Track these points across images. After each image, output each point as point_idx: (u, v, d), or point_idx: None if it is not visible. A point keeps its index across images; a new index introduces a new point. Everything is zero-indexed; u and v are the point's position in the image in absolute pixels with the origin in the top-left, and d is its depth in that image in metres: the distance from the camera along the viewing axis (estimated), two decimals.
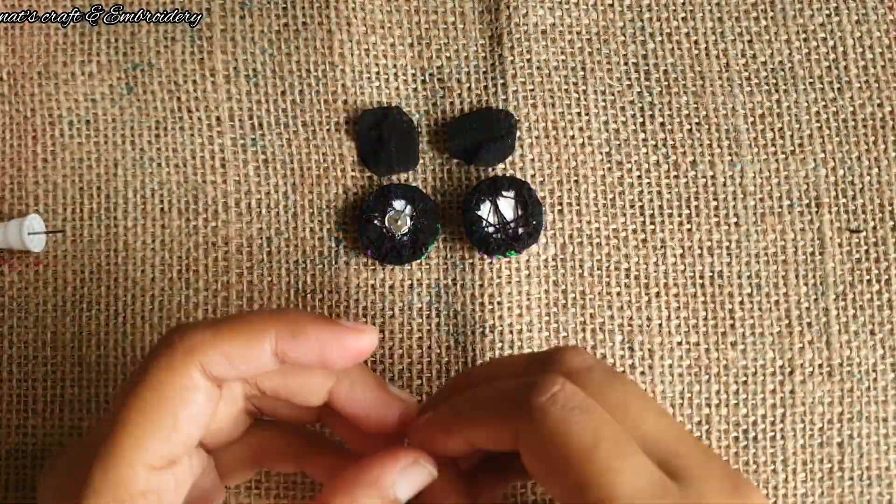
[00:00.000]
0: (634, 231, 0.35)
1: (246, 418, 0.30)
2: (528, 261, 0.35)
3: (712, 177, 0.35)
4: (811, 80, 0.36)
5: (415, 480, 0.27)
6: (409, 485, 0.27)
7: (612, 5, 0.36)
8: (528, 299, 0.34)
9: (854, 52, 0.36)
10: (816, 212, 0.35)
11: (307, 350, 0.26)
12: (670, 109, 0.36)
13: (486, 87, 0.36)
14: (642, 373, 0.34)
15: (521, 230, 0.34)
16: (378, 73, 0.36)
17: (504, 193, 0.34)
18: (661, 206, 0.35)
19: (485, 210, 0.34)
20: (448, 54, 0.36)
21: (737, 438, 0.34)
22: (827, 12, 0.36)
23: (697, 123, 0.36)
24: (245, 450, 0.30)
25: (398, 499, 0.26)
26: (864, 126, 0.35)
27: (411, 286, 0.35)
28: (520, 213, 0.34)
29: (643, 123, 0.36)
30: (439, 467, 0.27)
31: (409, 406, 0.29)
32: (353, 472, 0.26)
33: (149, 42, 0.37)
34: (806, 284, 0.35)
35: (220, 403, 0.27)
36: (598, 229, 0.35)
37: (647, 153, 0.35)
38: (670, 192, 0.35)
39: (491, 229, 0.34)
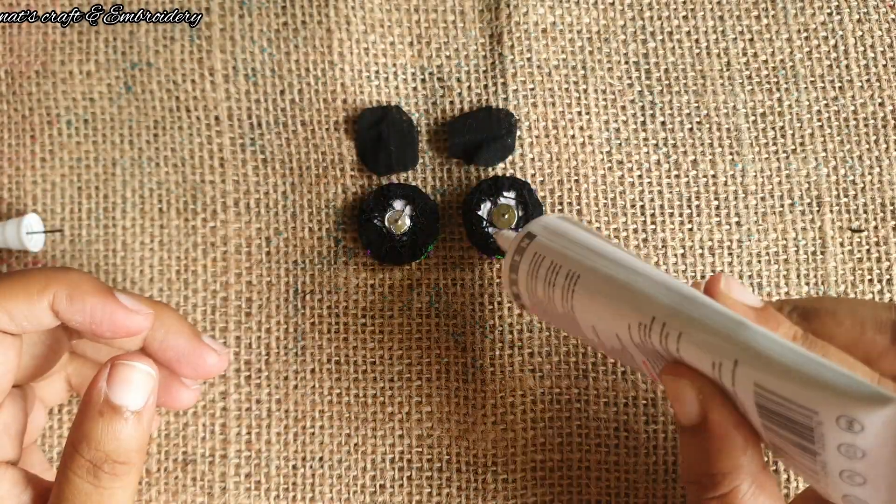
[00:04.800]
0: (635, 230, 0.35)
1: (59, 352, 0.31)
2: None
3: (713, 176, 0.35)
4: (812, 79, 0.36)
5: (131, 382, 0.26)
6: (126, 388, 0.26)
7: (612, 4, 0.36)
8: None
9: (855, 50, 0.36)
10: (818, 211, 0.35)
11: (79, 317, 0.28)
12: (671, 108, 0.36)
13: (486, 87, 0.36)
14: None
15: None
16: (377, 71, 0.36)
17: (505, 194, 0.34)
18: (662, 206, 0.35)
19: (485, 210, 0.34)
20: (448, 53, 0.36)
21: None
22: (828, 11, 0.36)
23: (698, 122, 0.35)
24: (62, 381, 0.33)
25: (120, 405, 0.26)
26: (866, 125, 0.35)
27: (411, 286, 0.35)
28: (520, 213, 0.34)
29: (644, 123, 0.35)
30: None
31: (222, 352, 0.31)
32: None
33: (147, 41, 0.37)
34: (807, 284, 0.34)
35: (27, 346, 0.29)
36: (598, 229, 0.35)
37: (647, 152, 0.35)
38: (671, 192, 0.35)
39: (491, 229, 0.34)
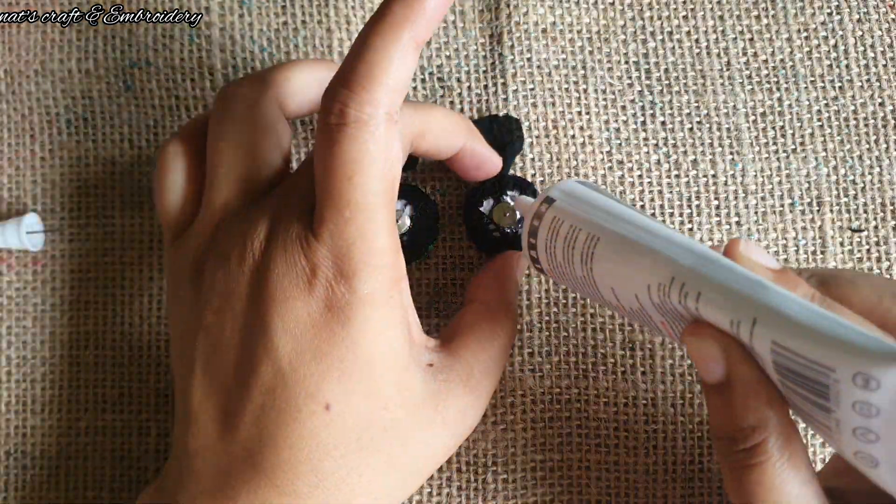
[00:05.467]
0: None
1: None
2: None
3: (713, 176, 0.35)
4: (812, 79, 0.36)
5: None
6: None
7: (612, 4, 0.36)
8: (529, 299, 0.34)
9: (855, 50, 0.36)
10: (818, 211, 0.35)
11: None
12: (671, 108, 0.36)
13: (486, 87, 0.36)
14: (643, 373, 0.34)
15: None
16: None
17: (508, 193, 0.34)
18: (662, 206, 0.35)
19: (487, 207, 0.34)
20: (448, 53, 0.36)
21: None
22: (828, 11, 0.36)
23: (698, 122, 0.35)
24: None
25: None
26: (866, 125, 0.35)
27: (411, 286, 0.35)
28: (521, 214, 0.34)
29: (644, 122, 0.35)
30: None
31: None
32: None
33: (146, 40, 0.37)
34: None
35: None
36: None
37: (647, 152, 0.35)
38: (671, 192, 0.35)
39: (498, 233, 0.34)
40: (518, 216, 0.34)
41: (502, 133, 0.35)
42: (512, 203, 0.34)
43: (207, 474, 0.27)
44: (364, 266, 0.26)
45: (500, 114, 0.35)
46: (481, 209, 0.34)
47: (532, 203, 0.30)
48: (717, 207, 0.35)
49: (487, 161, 0.33)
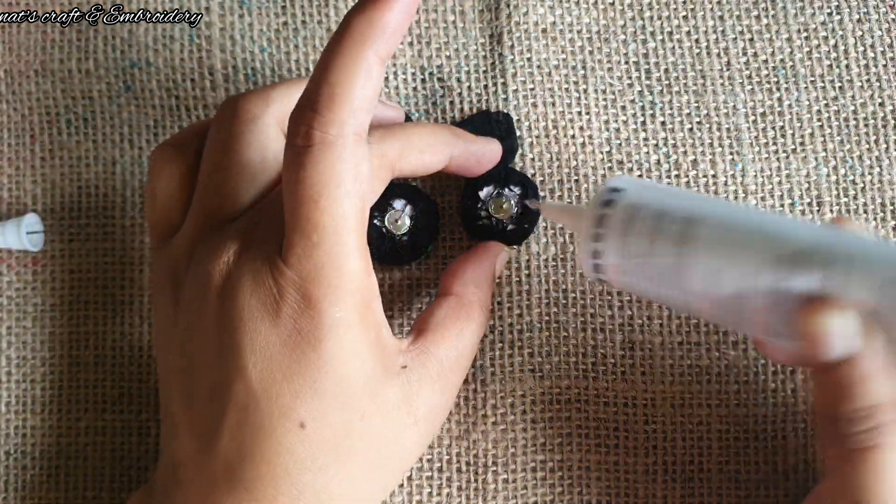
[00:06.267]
0: None
1: None
2: (528, 261, 0.35)
3: (713, 176, 0.35)
4: (812, 79, 0.36)
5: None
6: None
7: (612, 4, 0.36)
8: (528, 299, 0.34)
9: (855, 50, 0.36)
10: (818, 211, 0.35)
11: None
12: (671, 108, 0.36)
13: (486, 87, 0.36)
14: (643, 372, 0.34)
15: (524, 224, 0.34)
16: None
17: (511, 187, 0.34)
18: None
19: (486, 193, 0.34)
20: (448, 53, 0.36)
21: (737, 438, 0.33)
22: (828, 11, 0.36)
23: (698, 122, 0.35)
24: None
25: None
26: (866, 125, 0.35)
27: (411, 286, 0.35)
28: (516, 209, 0.34)
29: (644, 123, 0.35)
30: None
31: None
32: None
33: (147, 40, 0.37)
34: None
35: None
36: None
37: (647, 152, 0.35)
38: None
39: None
40: (514, 210, 0.34)
41: (499, 128, 0.35)
42: (512, 200, 0.34)
43: (192, 486, 0.27)
44: (334, 290, 0.26)
45: (494, 111, 0.35)
46: (480, 194, 0.34)
47: (599, 192, 0.29)
48: None
49: (485, 152, 0.33)
